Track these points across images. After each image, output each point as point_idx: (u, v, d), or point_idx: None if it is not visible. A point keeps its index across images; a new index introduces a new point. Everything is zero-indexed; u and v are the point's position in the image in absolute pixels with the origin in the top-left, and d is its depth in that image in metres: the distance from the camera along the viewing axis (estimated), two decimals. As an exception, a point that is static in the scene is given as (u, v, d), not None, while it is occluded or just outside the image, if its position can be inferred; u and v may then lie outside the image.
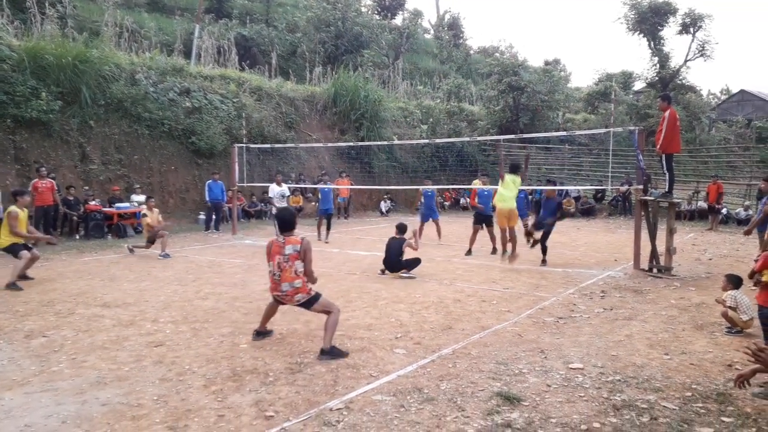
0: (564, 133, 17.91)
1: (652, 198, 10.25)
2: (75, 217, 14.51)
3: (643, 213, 10.40)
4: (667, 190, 9.98)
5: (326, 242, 13.99)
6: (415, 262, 9.68)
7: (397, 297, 8.03)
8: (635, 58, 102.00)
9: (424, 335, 6.12)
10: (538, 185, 12.62)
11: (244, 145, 17.08)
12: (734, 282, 6.51)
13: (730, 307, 6.24)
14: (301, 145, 20.71)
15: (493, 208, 11.80)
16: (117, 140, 16.59)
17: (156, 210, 12.39)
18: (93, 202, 14.84)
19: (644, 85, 37.94)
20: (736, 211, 19.79)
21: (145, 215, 12.17)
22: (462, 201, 25.15)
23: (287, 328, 6.37)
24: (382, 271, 9.84)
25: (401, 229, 10.00)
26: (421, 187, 14.86)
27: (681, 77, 35.07)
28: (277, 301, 5.73)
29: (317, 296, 5.57)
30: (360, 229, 17.83)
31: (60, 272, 9.90)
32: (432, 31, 49.88)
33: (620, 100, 33.78)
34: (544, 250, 11.05)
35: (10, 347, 5.68)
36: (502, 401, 4.34)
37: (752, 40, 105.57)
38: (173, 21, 28.25)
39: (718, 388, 4.63)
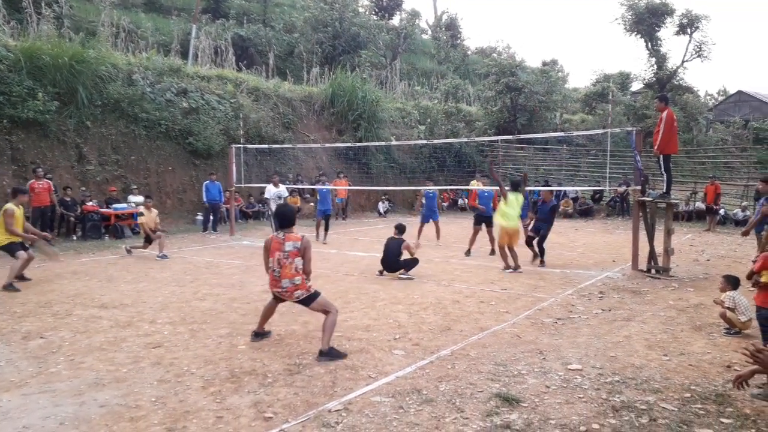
0: (561, 133, 17.93)
1: (649, 199, 10.26)
2: (72, 218, 14.46)
3: (641, 214, 10.41)
4: (664, 190, 10.00)
5: (324, 243, 13.98)
6: (413, 263, 9.68)
7: (396, 298, 8.02)
8: (632, 59, 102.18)
9: (422, 336, 6.12)
10: (536, 186, 12.63)
11: (241, 145, 17.06)
12: (732, 283, 6.52)
13: (728, 308, 6.25)
14: (299, 145, 20.69)
15: (494, 208, 11.79)
16: (114, 141, 16.54)
17: (155, 211, 12.36)
18: (90, 203, 14.80)
19: (641, 85, 38.05)
20: (734, 211, 19.82)
21: (141, 214, 12.14)
22: (460, 202, 25.16)
23: (285, 329, 6.36)
24: (380, 272, 9.84)
25: (400, 229, 9.99)
26: (422, 188, 14.86)
27: (678, 78, 35.21)
28: (277, 298, 5.73)
29: (316, 294, 5.56)
30: (358, 230, 17.82)
31: (57, 273, 9.87)
32: (429, 32, 49.95)
33: (618, 101, 33.85)
34: (542, 252, 11.06)
35: (7, 348, 5.65)
36: (501, 402, 4.33)
37: (749, 41, 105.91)
38: (170, 21, 28.19)
39: (717, 389, 4.63)
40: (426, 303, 7.70)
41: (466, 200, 23.35)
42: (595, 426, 3.96)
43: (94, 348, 5.67)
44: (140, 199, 15.43)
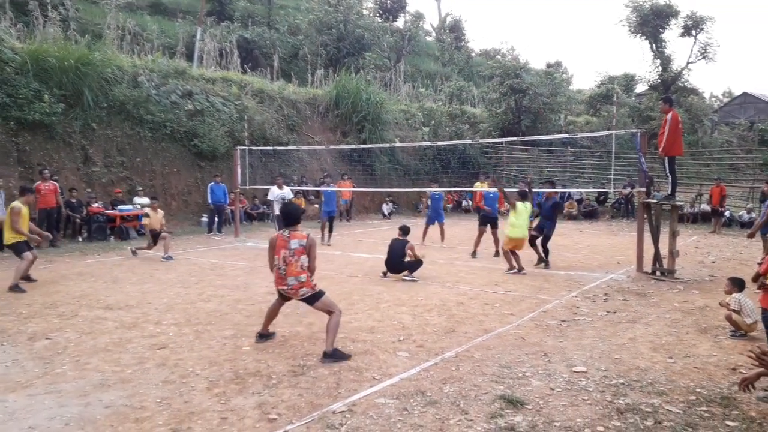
0: (566, 135, 17.93)
1: (654, 201, 10.24)
2: (78, 220, 14.52)
3: (645, 216, 10.38)
4: (669, 192, 9.97)
5: (328, 245, 13.97)
6: (417, 265, 9.68)
7: (400, 300, 8.02)
8: (637, 61, 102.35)
9: (426, 338, 6.12)
10: (540, 187, 12.60)
11: (246, 147, 17.09)
12: (738, 285, 6.50)
13: (734, 311, 6.23)
14: (303, 147, 20.71)
15: (499, 209, 11.77)
16: (119, 143, 16.61)
17: (161, 212, 12.39)
18: (95, 205, 14.86)
19: (646, 87, 37.96)
20: (739, 213, 19.76)
21: (147, 216, 12.17)
22: (464, 203, 25.15)
23: (290, 330, 6.37)
24: (384, 274, 9.84)
25: (404, 230, 10.00)
26: (428, 190, 14.85)
27: (683, 80, 35.11)
28: (282, 297, 5.74)
29: (321, 293, 5.58)
30: (362, 232, 17.83)
31: (63, 274, 9.90)
32: (434, 34, 50.00)
33: (622, 103, 33.78)
34: (546, 252, 11.05)
35: (13, 349, 5.68)
36: (506, 404, 4.33)
37: (755, 42, 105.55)
38: (175, 24, 28.32)
39: (723, 392, 4.61)
40: (430, 305, 7.70)
41: (471, 202, 23.33)
42: (600, 428, 3.95)
43: (99, 349, 5.70)
44: (146, 200, 15.48)
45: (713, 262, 11.65)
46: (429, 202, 14.50)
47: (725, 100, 50.66)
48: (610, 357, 5.50)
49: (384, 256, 9.92)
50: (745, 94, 46.62)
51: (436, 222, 14.12)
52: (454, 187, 22.75)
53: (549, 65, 49.02)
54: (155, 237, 11.91)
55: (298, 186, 20.04)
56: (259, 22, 32.52)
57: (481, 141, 22.42)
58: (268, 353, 5.57)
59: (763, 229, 9.72)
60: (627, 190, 20.85)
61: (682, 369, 5.18)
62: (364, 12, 36.34)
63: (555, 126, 30.88)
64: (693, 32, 33.10)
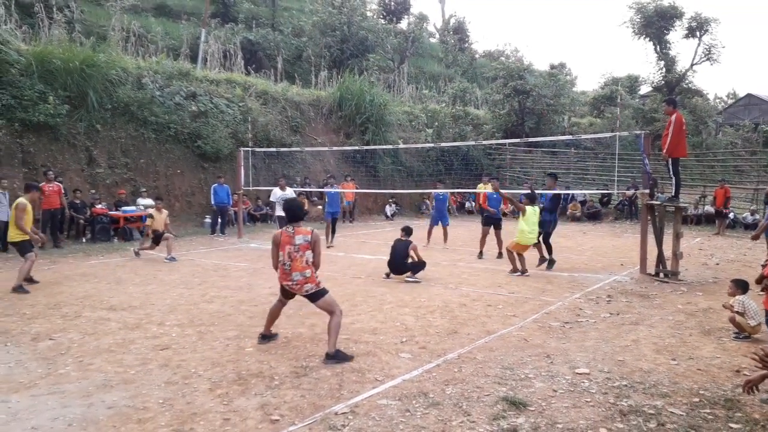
0: (570, 137, 17.95)
1: (658, 202, 10.22)
2: (82, 221, 14.58)
3: (649, 217, 10.36)
4: (673, 194, 9.95)
5: (330, 246, 13.97)
6: (420, 266, 9.68)
7: (403, 301, 8.02)
8: (641, 62, 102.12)
9: (429, 339, 6.11)
10: (543, 189, 12.57)
11: (249, 148, 17.12)
12: (741, 287, 6.47)
13: (737, 313, 6.21)
14: (307, 149, 20.74)
15: (504, 213, 11.71)
16: (123, 144, 16.67)
17: (165, 212, 12.41)
18: (99, 206, 14.91)
19: (650, 89, 37.86)
20: (743, 215, 19.69)
21: (150, 216, 12.20)
22: (467, 205, 25.12)
23: (292, 331, 6.37)
24: (387, 275, 9.84)
25: (407, 231, 10.01)
26: (432, 191, 14.85)
27: (687, 81, 35.00)
28: (284, 294, 5.73)
29: (325, 291, 5.58)
30: (365, 233, 17.83)
31: (66, 275, 9.94)
32: (437, 35, 49.99)
33: (626, 104, 33.72)
34: (549, 249, 11.00)
35: (17, 350, 5.70)
36: (508, 406, 4.32)
37: (759, 43, 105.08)
38: (180, 25, 28.40)
39: (726, 394, 4.60)
40: (433, 306, 7.69)
41: (474, 203, 23.31)
42: (603, 430, 3.94)
43: (102, 350, 5.71)
44: (149, 201, 15.55)
45: (717, 264, 11.61)
46: (433, 203, 14.50)
47: (729, 101, 50.49)
48: (613, 359, 5.48)
49: (387, 257, 9.93)
50: (749, 96, 46.47)
51: (440, 223, 14.12)
52: (458, 188, 22.73)
53: (553, 67, 48.90)
54: (158, 237, 11.95)
55: (301, 187, 20.06)
56: (263, 23, 32.59)
57: (484, 142, 22.42)
58: (271, 354, 5.58)
59: (767, 231, 9.68)
60: (630, 192, 20.81)
61: (686, 371, 5.16)
62: (368, 14, 36.41)
63: (558, 127, 30.83)
64: (697, 34, 33.01)
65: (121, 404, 4.37)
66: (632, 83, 38.84)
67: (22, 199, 8.81)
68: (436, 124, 28.17)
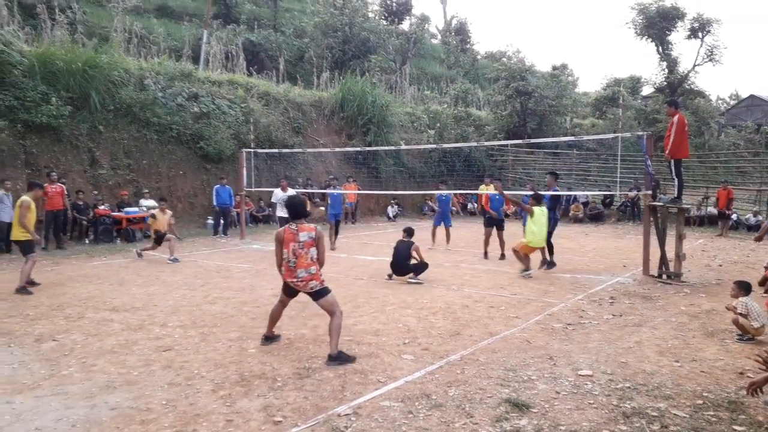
0: (572, 138, 17.95)
1: (661, 203, 10.20)
2: (84, 222, 14.61)
3: (652, 219, 10.35)
4: (676, 195, 9.93)
5: (332, 248, 13.95)
6: (423, 267, 9.67)
7: (405, 302, 8.02)
8: (643, 63, 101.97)
9: (431, 341, 6.11)
10: (543, 189, 12.57)
11: (251, 150, 17.14)
12: (744, 289, 6.46)
13: (741, 314, 6.19)
14: (309, 150, 20.75)
15: (506, 214, 11.68)
16: (126, 145, 16.70)
17: (168, 212, 12.41)
18: (102, 207, 14.94)
19: (652, 90, 37.81)
20: (746, 216, 19.66)
21: (153, 216, 12.20)
22: (469, 206, 25.11)
23: (295, 333, 6.38)
24: (390, 276, 9.84)
25: (409, 232, 10.01)
26: (436, 192, 14.85)
27: (689, 82, 34.94)
28: (287, 293, 5.70)
29: (328, 290, 5.58)
30: (367, 234, 17.83)
31: (69, 276, 9.95)
32: (439, 36, 49.98)
33: (628, 105, 33.66)
34: (551, 249, 10.98)
35: (20, 351, 5.72)
36: (511, 408, 4.32)
37: (762, 44, 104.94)
38: (182, 27, 28.44)
39: (730, 396, 4.59)
40: (435, 307, 7.69)
41: (476, 204, 23.30)
42: (606, 432, 3.93)
43: (105, 351, 5.72)
44: (152, 202, 15.57)
45: (720, 266, 11.59)
46: (437, 204, 14.50)
47: (732, 102, 50.41)
48: (616, 360, 5.47)
49: (389, 259, 9.92)
50: (752, 97, 46.38)
51: (442, 224, 14.11)
52: (460, 189, 22.72)
53: (555, 68, 48.95)
54: (160, 238, 11.97)
55: (304, 188, 20.06)
56: (265, 25, 32.61)
57: (486, 143, 22.39)
58: (274, 356, 5.58)
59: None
60: (633, 193, 20.78)
61: (689, 373, 5.15)
62: (370, 15, 36.41)
63: (561, 129, 30.81)
64: (700, 34, 32.94)
65: (124, 405, 4.38)
66: (634, 84, 38.79)
67: (26, 198, 8.78)
68: (438, 125, 28.16)
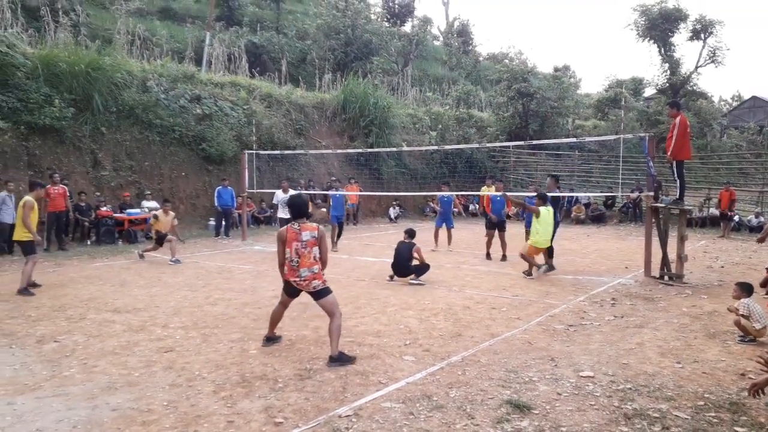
0: (574, 139, 17.91)
1: (662, 205, 10.19)
2: (86, 223, 14.64)
3: (653, 220, 10.34)
4: (678, 197, 9.91)
5: (334, 250, 13.95)
6: (424, 268, 9.67)
7: (406, 304, 8.02)
8: (645, 65, 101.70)
9: (433, 342, 6.11)
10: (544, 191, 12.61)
11: (254, 151, 17.16)
12: (746, 290, 6.45)
13: (742, 316, 6.18)
14: (311, 151, 20.78)
15: (508, 216, 11.65)
16: (128, 147, 16.74)
17: (172, 214, 12.41)
18: (104, 208, 14.98)
19: (655, 91, 37.78)
20: (748, 218, 19.62)
21: (156, 217, 12.20)
22: (471, 207, 25.11)
23: (296, 334, 6.38)
24: (391, 278, 9.84)
25: (410, 234, 10.01)
26: (438, 194, 14.85)
27: (692, 83, 34.89)
28: (290, 290, 5.66)
29: (329, 290, 5.58)
30: (369, 236, 17.84)
31: (71, 277, 9.98)
32: (441, 38, 49.95)
33: (630, 107, 33.62)
34: (551, 252, 10.95)
35: (22, 352, 5.73)
36: (512, 409, 4.31)
37: (764, 45, 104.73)
38: (184, 29, 28.50)
39: (731, 398, 4.58)
40: (437, 309, 7.69)
41: (478, 205, 23.29)
42: (607, 434, 3.93)
43: (107, 352, 5.73)
44: (154, 204, 15.61)
45: (722, 267, 11.56)
46: (439, 206, 14.50)
47: (734, 103, 50.30)
48: (617, 362, 5.47)
49: (391, 260, 9.93)
50: (754, 98, 46.33)
51: (444, 225, 14.10)
52: (462, 190, 22.71)
53: (557, 69, 48.90)
54: (161, 239, 11.99)
55: (305, 190, 20.08)
56: (267, 27, 32.64)
57: (488, 145, 22.38)
58: (275, 357, 5.58)
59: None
60: (635, 195, 20.77)
61: (691, 374, 5.14)
62: (372, 17, 36.43)
63: (563, 130, 30.78)
64: (702, 36, 32.89)
65: (125, 406, 4.38)
66: (636, 86, 38.75)
67: (28, 198, 8.77)
68: (440, 126, 28.17)
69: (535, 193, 13.57)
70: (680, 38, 34.24)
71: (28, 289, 8.49)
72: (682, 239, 9.70)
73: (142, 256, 12.15)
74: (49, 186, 13.21)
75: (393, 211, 23.36)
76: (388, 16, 41.68)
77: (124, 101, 16.69)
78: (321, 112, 23.83)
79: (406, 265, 9.64)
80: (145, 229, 15.15)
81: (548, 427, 4.03)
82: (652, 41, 33.77)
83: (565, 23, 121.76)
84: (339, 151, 21.03)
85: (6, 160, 13.92)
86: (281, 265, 5.59)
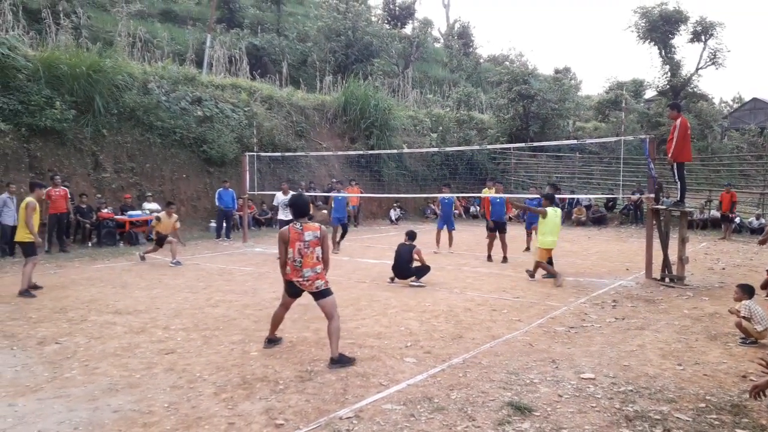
0: (574, 141, 17.87)
1: (663, 207, 10.19)
2: (87, 225, 14.65)
3: (654, 222, 10.33)
4: (678, 198, 9.92)
5: (335, 251, 13.93)
6: (425, 270, 9.67)
7: (407, 305, 8.01)
8: (646, 67, 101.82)
9: (434, 344, 6.11)
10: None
11: (254, 153, 17.18)
12: (747, 292, 6.44)
13: (744, 318, 6.17)
14: (312, 153, 20.79)
15: (509, 218, 11.60)
16: (129, 149, 16.76)
17: (175, 216, 12.39)
18: (105, 210, 14.99)
19: (655, 93, 37.78)
20: (749, 220, 19.62)
21: (158, 218, 12.19)
22: (472, 209, 25.12)
23: (297, 335, 6.38)
24: (392, 279, 9.84)
25: (411, 236, 10.01)
26: (438, 195, 14.86)
27: (692, 85, 34.86)
28: (292, 291, 5.65)
29: (331, 291, 5.58)
30: (369, 237, 17.84)
31: (72, 279, 9.98)
32: (442, 40, 50.00)
33: (631, 109, 33.63)
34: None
35: (23, 354, 5.73)
36: (513, 411, 4.31)
37: (765, 47, 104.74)
38: (185, 31, 28.55)
39: (733, 400, 4.57)
40: (438, 311, 7.68)
41: (479, 207, 23.30)
42: (608, 436, 3.92)
43: (108, 354, 5.73)
44: (155, 206, 15.62)
45: (723, 269, 11.56)
46: (440, 207, 14.50)
47: (735, 105, 50.30)
48: (618, 364, 5.46)
49: (391, 262, 9.93)
50: (755, 100, 46.30)
51: (446, 227, 14.10)
52: (462, 192, 22.73)
53: (557, 71, 48.97)
54: (161, 239, 11.99)
55: (306, 191, 20.09)
56: (268, 29, 32.69)
57: (489, 147, 22.44)
58: (276, 359, 5.58)
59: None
60: (636, 196, 20.77)
61: (692, 376, 5.14)
62: (373, 19, 36.49)
63: (563, 132, 30.81)
64: (703, 38, 32.87)
65: (126, 408, 4.38)
66: (637, 87, 38.74)
67: (30, 199, 8.75)
68: (441, 128, 28.19)
69: (535, 195, 13.57)
70: (681, 40, 34.30)
71: (29, 290, 8.49)
72: (683, 241, 9.70)
73: (143, 258, 12.15)
74: (50, 188, 13.23)
75: (394, 213, 23.37)
76: (389, 18, 41.74)
77: (125, 103, 16.71)
78: (322, 114, 23.86)
79: (407, 267, 9.64)
80: (147, 231, 15.15)
81: (549, 429, 4.03)
82: (652, 43, 33.75)
83: (565, 25, 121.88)
84: (340, 153, 21.05)
85: (7, 162, 13.95)
86: (283, 265, 5.59)
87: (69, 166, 15.30)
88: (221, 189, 16.63)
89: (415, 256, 9.68)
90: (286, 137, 21.20)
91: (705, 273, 11.00)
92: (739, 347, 6.06)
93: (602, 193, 23.17)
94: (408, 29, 42.29)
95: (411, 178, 25.24)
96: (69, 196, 13.76)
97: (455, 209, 14.44)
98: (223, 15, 31.94)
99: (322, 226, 5.61)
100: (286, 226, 5.62)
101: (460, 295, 8.83)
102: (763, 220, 18.99)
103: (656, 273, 10.11)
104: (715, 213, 19.90)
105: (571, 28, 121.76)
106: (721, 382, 4.99)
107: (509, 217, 13.12)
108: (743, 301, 6.33)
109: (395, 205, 23.77)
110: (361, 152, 20.54)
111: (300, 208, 5.63)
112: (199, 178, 18.37)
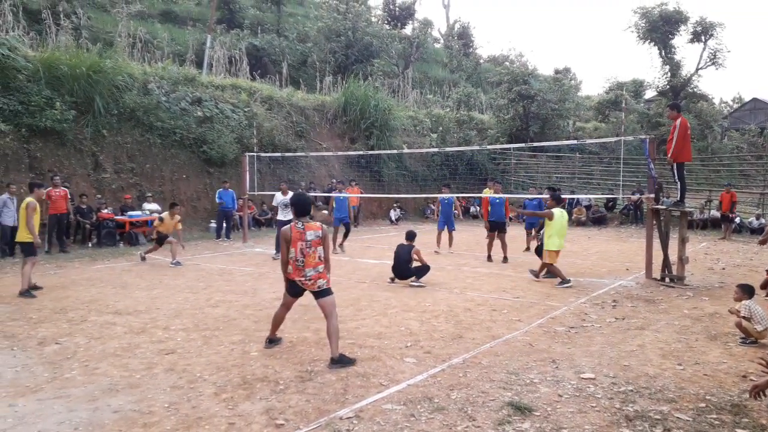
0: (574, 141, 17.86)
1: (663, 207, 10.19)
2: (87, 225, 14.65)
3: (654, 222, 10.33)
4: (678, 199, 9.92)
5: (335, 252, 13.94)
6: (425, 270, 9.67)
7: (407, 306, 8.01)
8: (646, 67, 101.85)
9: (434, 344, 6.11)
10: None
11: (254, 153, 17.18)
12: (747, 292, 6.45)
13: (744, 317, 6.18)
14: (312, 153, 20.79)
15: (510, 218, 11.58)
16: (129, 149, 16.76)
17: (177, 217, 12.35)
18: (105, 211, 14.99)
19: (655, 93, 37.79)
20: (749, 220, 19.62)
21: (161, 219, 12.17)
22: (472, 209, 25.12)
23: (297, 336, 6.38)
24: (392, 280, 9.84)
25: (410, 236, 10.01)
26: (438, 195, 14.87)
27: (692, 86, 34.88)
28: (293, 290, 5.65)
29: (331, 290, 5.60)
30: (369, 238, 17.84)
31: (72, 280, 9.98)
32: (442, 41, 50.01)
33: (631, 109, 33.64)
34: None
35: (23, 354, 5.73)
36: (513, 411, 4.31)
37: (765, 48, 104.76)
38: (185, 31, 28.56)
39: (733, 399, 4.58)
40: (438, 311, 7.69)
41: (479, 208, 23.29)
42: (608, 435, 3.92)
43: (108, 354, 5.73)
44: (155, 206, 15.62)
45: (723, 269, 11.56)
46: (440, 208, 14.50)
47: (735, 105, 50.31)
48: (618, 364, 5.46)
49: (391, 262, 9.93)
50: (755, 100, 46.30)
51: (446, 227, 14.09)
52: (462, 193, 22.73)
53: (557, 71, 48.96)
54: (162, 239, 11.98)
55: (306, 192, 20.08)
56: (268, 29, 32.70)
57: (489, 147, 22.45)
58: (276, 359, 5.58)
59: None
60: (636, 197, 20.77)
61: (692, 376, 5.14)
62: (373, 19, 36.49)
63: (563, 132, 30.82)
64: (703, 38, 32.88)
65: (126, 408, 4.38)
66: (637, 88, 38.76)
67: (31, 200, 8.74)
68: (441, 128, 28.20)
69: (535, 195, 13.56)
70: (681, 40, 34.31)
71: (29, 291, 8.49)
72: (683, 241, 9.70)
73: (143, 258, 12.16)
74: (50, 188, 13.23)
75: (394, 213, 23.38)
76: (389, 19, 41.75)
77: (126, 104, 16.71)
78: (322, 115, 23.86)
79: (406, 267, 9.64)
80: (147, 232, 15.15)
81: (549, 428, 4.03)
82: (652, 43, 33.77)
83: (565, 25, 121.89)
84: (340, 153, 21.06)
85: (7, 162, 13.95)
86: (284, 264, 5.58)
87: (69, 167, 15.30)
88: (221, 189, 16.63)
89: (414, 257, 9.68)
90: (286, 138, 21.20)
91: (705, 273, 11.01)
92: (739, 347, 6.06)
93: (602, 193, 23.17)
94: (408, 30, 42.29)
95: (411, 178, 25.25)
96: (69, 196, 13.76)
97: (455, 209, 14.44)
98: (223, 15, 31.96)
99: (324, 226, 5.61)
100: (288, 225, 5.62)
101: (460, 295, 8.83)
102: (763, 220, 18.99)
103: (656, 273, 10.11)
104: (715, 213, 19.91)
105: (571, 29, 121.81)
106: (721, 382, 4.99)
107: (510, 217, 13.11)
108: (743, 301, 6.33)
109: (395, 205, 23.77)
110: (361, 152, 20.55)
111: (301, 207, 5.63)
112: (199, 179, 18.37)
